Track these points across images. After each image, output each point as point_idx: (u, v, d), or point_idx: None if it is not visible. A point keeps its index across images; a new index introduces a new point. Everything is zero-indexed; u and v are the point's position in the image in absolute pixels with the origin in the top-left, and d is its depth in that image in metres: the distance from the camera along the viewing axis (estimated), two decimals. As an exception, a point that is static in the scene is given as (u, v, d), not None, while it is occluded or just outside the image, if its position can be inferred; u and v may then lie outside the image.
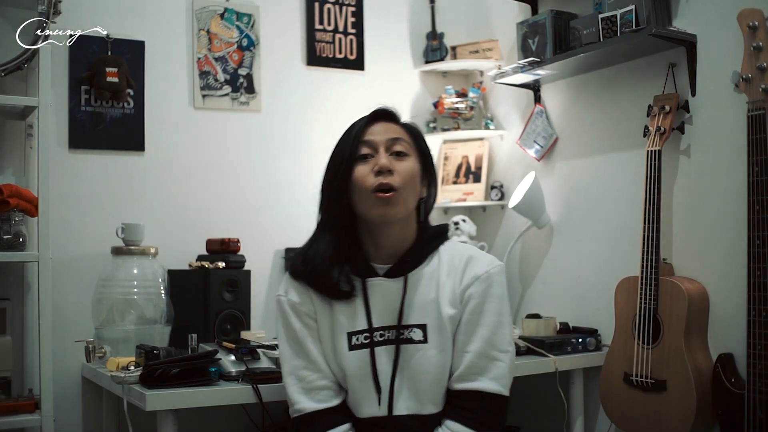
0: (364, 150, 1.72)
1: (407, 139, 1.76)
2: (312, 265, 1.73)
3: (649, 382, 2.24)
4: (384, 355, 1.71)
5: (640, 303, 2.26)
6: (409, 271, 1.74)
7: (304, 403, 1.72)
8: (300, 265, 1.76)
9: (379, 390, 1.70)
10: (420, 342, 1.71)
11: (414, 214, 1.78)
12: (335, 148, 1.78)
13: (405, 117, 3.09)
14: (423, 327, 1.71)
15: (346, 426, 1.71)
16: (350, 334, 1.72)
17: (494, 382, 1.69)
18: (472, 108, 3.15)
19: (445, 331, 1.71)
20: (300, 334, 1.74)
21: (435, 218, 3.22)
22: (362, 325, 1.72)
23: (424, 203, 1.81)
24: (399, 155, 1.72)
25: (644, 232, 2.26)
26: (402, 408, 1.70)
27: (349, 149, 1.72)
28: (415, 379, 1.70)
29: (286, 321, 1.76)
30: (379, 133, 1.74)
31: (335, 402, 1.73)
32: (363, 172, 1.70)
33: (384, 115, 1.79)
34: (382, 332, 1.72)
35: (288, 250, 2.85)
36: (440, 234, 1.82)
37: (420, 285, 1.74)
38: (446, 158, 3.25)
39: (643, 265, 2.26)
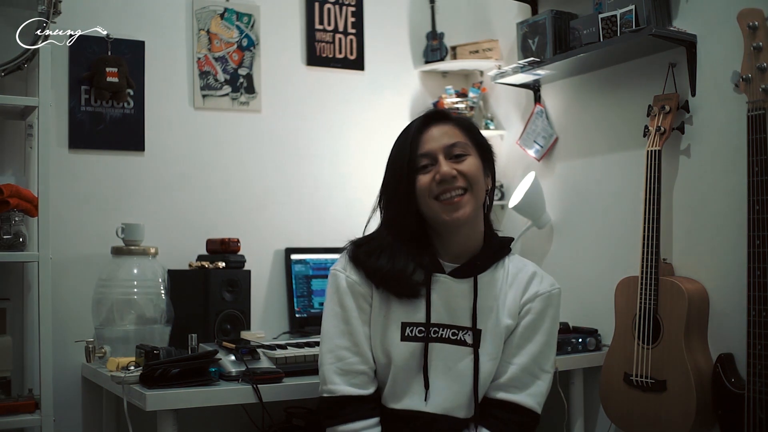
0: (423, 162, 1.72)
1: (463, 138, 1.75)
2: (386, 273, 1.71)
3: (649, 382, 2.24)
4: (435, 351, 1.71)
5: (640, 303, 2.26)
6: (478, 273, 1.74)
7: (339, 385, 1.70)
8: (371, 268, 1.73)
9: (427, 385, 1.70)
10: (472, 346, 1.72)
11: (481, 208, 1.78)
12: (392, 157, 1.77)
13: (405, 118, 3.15)
14: (478, 332, 1.72)
15: (375, 420, 1.70)
16: (405, 325, 1.72)
17: (532, 398, 1.71)
18: (472, 108, 3.14)
19: (498, 339, 1.72)
20: (351, 314, 1.73)
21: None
22: (420, 318, 1.72)
23: (489, 195, 1.81)
24: (458, 158, 1.72)
25: (644, 232, 2.26)
26: (439, 408, 1.71)
27: (408, 161, 1.71)
28: (460, 382, 1.71)
29: (339, 298, 1.74)
30: (434, 139, 1.73)
31: (370, 390, 1.72)
32: (426, 181, 1.70)
33: (435, 116, 1.78)
34: (436, 329, 1.72)
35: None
36: (506, 245, 1.83)
37: (483, 290, 1.74)
38: (446, 158, 3.24)
39: (643, 265, 2.26)
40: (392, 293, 1.72)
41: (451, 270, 1.74)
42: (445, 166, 1.69)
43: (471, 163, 1.72)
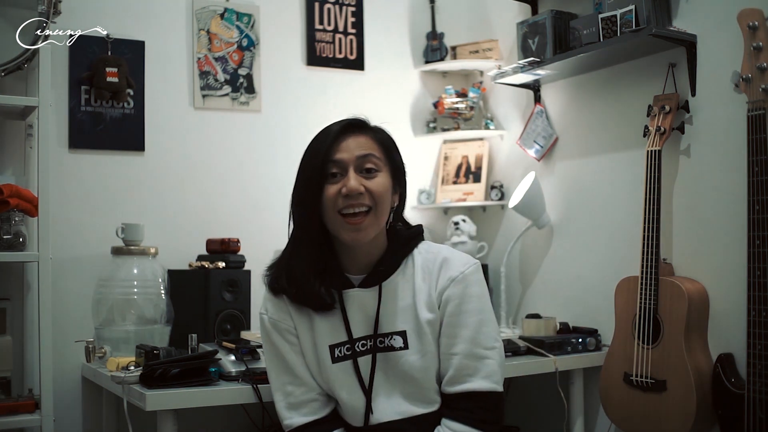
0: (333, 169, 1.69)
1: (377, 152, 1.72)
2: (293, 282, 1.72)
3: (649, 382, 2.24)
4: (367, 364, 1.72)
5: (640, 303, 2.26)
6: (383, 280, 1.74)
7: (293, 418, 1.73)
8: (279, 281, 1.75)
9: (368, 399, 1.71)
10: (401, 348, 1.71)
11: (384, 226, 1.76)
12: (303, 160, 1.75)
13: (405, 118, 3.15)
14: (402, 333, 1.72)
15: (339, 431, 1.73)
16: (332, 347, 1.73)
17: (486, 380, 1.69)
18: (472, 108, 3.14)
19: (424, 335, 1.71)
20: (283, 350, 1.75)
21: (435, 218, 3.23)
22: (342, 337, 1.73)
23: (394, 212, 1.79)
24: (369, 172, 1.70)
25: (644, 232, 2.26)
26: (394, 414, 1.71)
27: (319, 167, 1.69)
28: (403, 385, 1.72)
29: (268, 338, 1.77)
30: (348, 149, 1.70)
31: (323, 413, 1.74)
32: (332, 192, 1.68)
33: (353, 126, 1.74)
34: (363, 342, 1.73)
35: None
36: (413, 237, 1.81)
37: (396, 292, 1.74)
38: (446, 158, 3.25)
39: (643, 265, 2.26)
40: (307, 307, 1.73)
41: (359, 282, 1.75)
42: (353, 181, 1.67)
43: (379, 182, 1.70)
